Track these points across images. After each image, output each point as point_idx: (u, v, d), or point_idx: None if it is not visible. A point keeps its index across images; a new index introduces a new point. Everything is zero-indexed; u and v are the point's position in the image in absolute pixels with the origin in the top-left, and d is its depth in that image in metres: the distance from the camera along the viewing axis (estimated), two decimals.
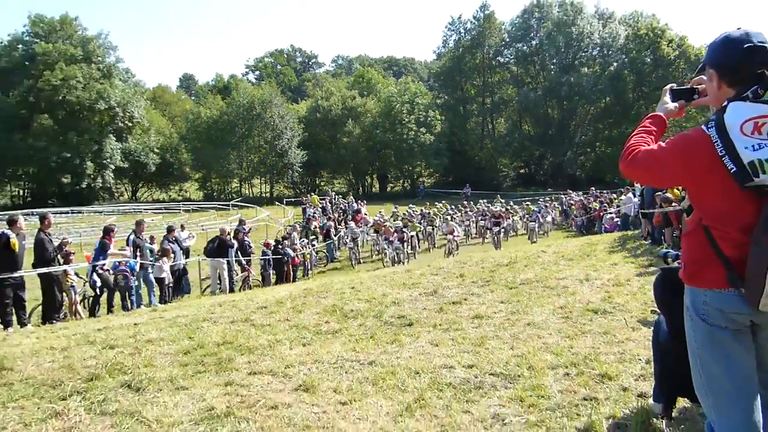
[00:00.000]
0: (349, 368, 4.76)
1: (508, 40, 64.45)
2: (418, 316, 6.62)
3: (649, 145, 2.37)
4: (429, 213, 28.05)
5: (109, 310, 11.50)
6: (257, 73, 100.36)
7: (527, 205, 28.80)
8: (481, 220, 27.89)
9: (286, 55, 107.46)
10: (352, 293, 8.32)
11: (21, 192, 55.81)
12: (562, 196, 33.78)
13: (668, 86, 2.61)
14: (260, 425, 3.62)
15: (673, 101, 2.55)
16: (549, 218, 27.49)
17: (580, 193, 34.34)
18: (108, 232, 12.25)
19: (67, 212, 40.69)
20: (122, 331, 6.30)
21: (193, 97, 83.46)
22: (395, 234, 21.37)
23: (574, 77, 57.11)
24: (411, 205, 32.22)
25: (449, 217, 25.56)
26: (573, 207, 28.96)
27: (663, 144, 2.33)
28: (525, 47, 63.11)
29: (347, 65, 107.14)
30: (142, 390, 4.22)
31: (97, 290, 11.95)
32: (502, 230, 24.77)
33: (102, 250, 11.92)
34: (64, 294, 11.00)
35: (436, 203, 32.78)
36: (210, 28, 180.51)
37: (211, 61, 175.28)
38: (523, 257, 11.06)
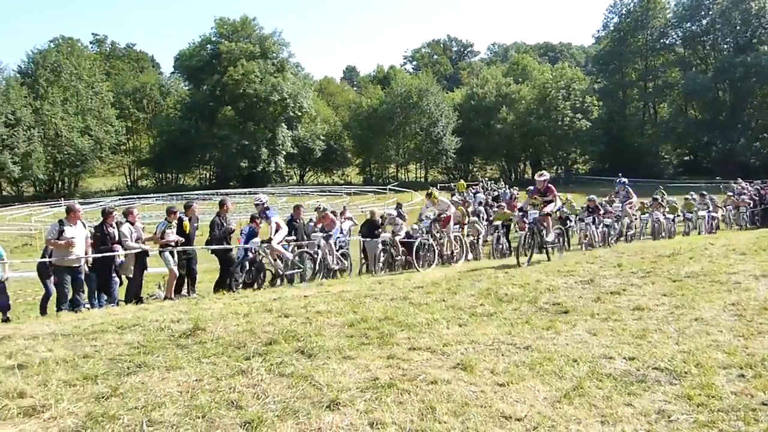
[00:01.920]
0: (506, 351, 4.79)
1: (674, 20, 60.04)
2: (574, 304, 6.47)
3: None
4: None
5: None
6: (414, 63, 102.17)
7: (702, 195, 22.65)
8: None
9: (442, 45, 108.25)
10: (506, 278, 8.30)
11: (207, 175, 62.70)
12: (733, 184, 30.03)
13: None
14: (421, 398, 3.79)
15: None
16: (705, 214, 20.57)
17: (756, 182, 30.49)
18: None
19: (245, 193, 44.98)
20: (294, 302, 6.88)
21: (355, 88, 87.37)
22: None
23: (751, 57, 51.84)
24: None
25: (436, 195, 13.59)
26: (742, 197, 25.31)
27: None
28: (694, 27, 58.29)
29: (502, 53, 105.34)
30: (313, 356, 4.59)
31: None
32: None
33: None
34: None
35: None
36: (372, 22, 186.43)
37: (372, 53, 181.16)
38: (687, 249, 10.25)
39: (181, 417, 3.46)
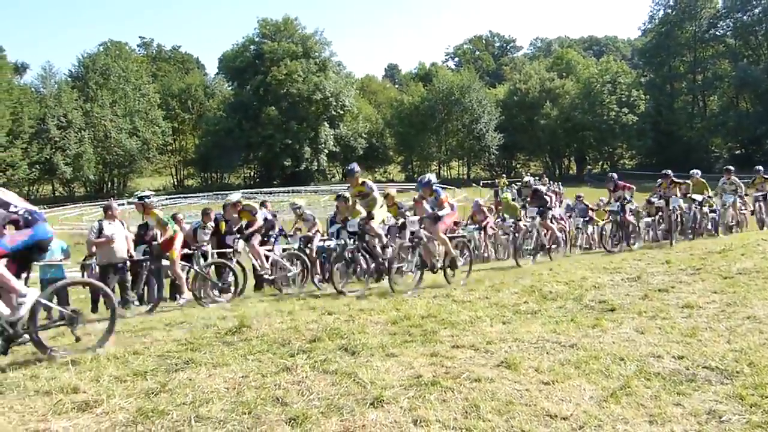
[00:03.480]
0: (550, 349, 4.70)
1: (724, 10, 58.32)
2: (620, 301, 6.32)
3: None
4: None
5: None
6: (456, 59, 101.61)
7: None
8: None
9: (484, 41, 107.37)
10: (550, 275, 8.18)
11: (252, 174, 63.84)
12: None
13: None
14: (465, 396, 3.75)
15: None
16: (731, 198, 14.80)
17: None
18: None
19: (288, 192, 45.57)
20: (337, 300, 6.94)
21: (397, 86, 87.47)
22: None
23: None
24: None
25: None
26: None
27: None
28: (745, 17, 56.71)
29: (546, 47, 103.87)
30: (356, 354, 4.59)
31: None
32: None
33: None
34: None
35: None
36: (413, 19, 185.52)
37: (414, 50, 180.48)
38: (739, 244, 9.88)
39: (228, 413, 3.52)
